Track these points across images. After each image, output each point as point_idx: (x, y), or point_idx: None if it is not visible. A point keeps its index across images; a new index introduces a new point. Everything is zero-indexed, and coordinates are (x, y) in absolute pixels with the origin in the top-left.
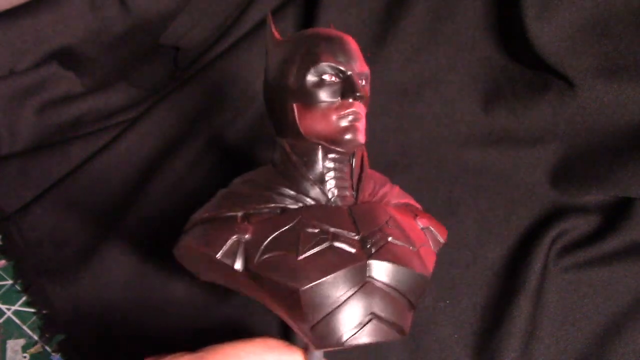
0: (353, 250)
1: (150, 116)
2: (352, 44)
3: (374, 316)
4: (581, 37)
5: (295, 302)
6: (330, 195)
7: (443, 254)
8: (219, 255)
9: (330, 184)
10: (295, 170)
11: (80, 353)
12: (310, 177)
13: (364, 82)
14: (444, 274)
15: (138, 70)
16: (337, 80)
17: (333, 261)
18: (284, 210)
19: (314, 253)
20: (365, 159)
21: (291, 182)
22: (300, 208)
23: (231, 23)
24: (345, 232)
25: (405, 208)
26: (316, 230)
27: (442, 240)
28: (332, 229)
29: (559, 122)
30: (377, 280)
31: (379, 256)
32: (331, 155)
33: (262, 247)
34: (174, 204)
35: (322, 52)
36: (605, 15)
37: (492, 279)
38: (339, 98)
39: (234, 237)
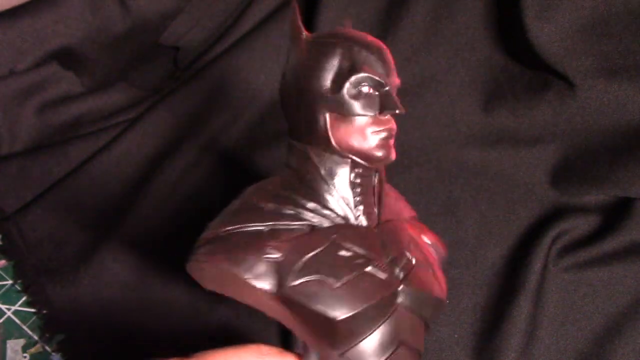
0: (384, 276)
1: (150, 116)
2: (389, 54)
3: (401, 343)
4: (581, 37)
5: (329, 330)
6: (357, 213)
7: None
8: (247, 277)
9: (357, 200)
10: (323, 183)
11: (80, 353)
12: (338, 192)
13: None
14: (444, 274)
15: (138, 70)
16: (376, 93)
17: (368, 289)
18: (314, 228)
19: (350, 280)
20: (383, 173)
21: (316, 196)
22: (332, 227)
23: (231, 23)
24: (376, 256)
25: (413, 224)
26: (350, 254)
27: (443, 254)
28: (364, 253)
29: (559, 122)
30: (405, 306)
31: (407, 282)
32: (358, 170)
33: (297, 270)
34: (174, 204)
35: (363, 61)
36: (605, 15)
37: (492, 279)
38: (376, 112)
39: (264, 256)
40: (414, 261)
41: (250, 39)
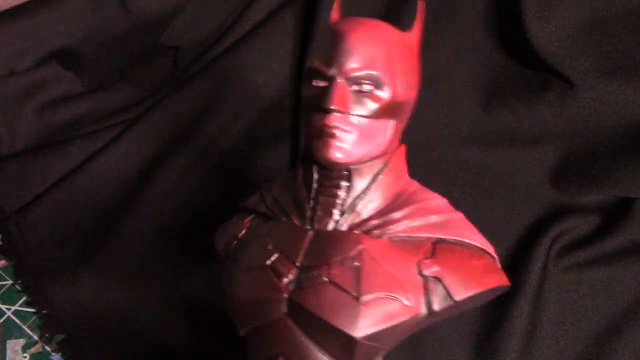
0: (284, 280)
1: (150, 116)
2: (356, 38)
3: (280, 354)
4: (581, 37)
5: (228, 308)
6: (310, 214)
7: None
8: (218, 248)
9: (317, 202)
10: (297, 181)
11: (80, 353)
12: (305, 191)
13: (361, 88)
14: None
15: (138, 70)
16: (324, 85)
17: (258, 284)
18: (269, 218)
19: (249, 269)
20: (381, 180)
21: (292, 193)
22: (275, 221)
23: (231, 23)
24: (286, 259)
25: (416, 244)
26: (269, 248)
27: (456, 298)
28: (278, 251)
29: (559, 122)
30: (295, 321)
31: (300, 296)
32: (325, 172)
33: (232, 249)
34: (174, 204)
35: (317, 52)
36: (605, 15)
37: None
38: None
39: (231, 235)
40: (325, 279)
41: (250, 39)
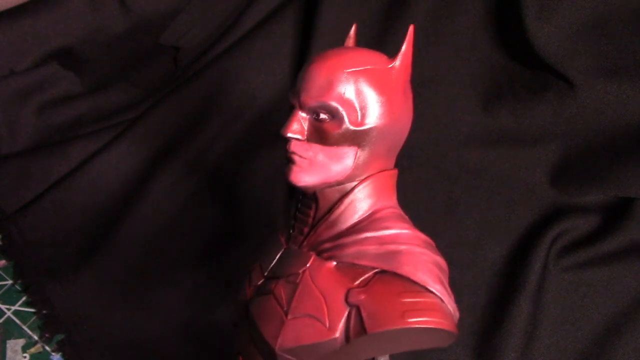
0: (249, 287)
1: (150, 116)
2: (317, 70)
3: (240, 353)
4: (581, 37)
5: None
6: (291, 231)
7: (443, 254)
8: None
9: (295, 221)
10: (293, 202)
11: (80, 353)
12: (293, 210)
13: (317, 117)
14: None
15: (138, 70)
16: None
17: (241, 288)
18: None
19: (243, 275)
20: (342, 205)
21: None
22: (272, 234)
23: (231, 23)
24: (258, 269)
25: (358, 271)
26: (257, 258)
27: (368, 330)
28: (258, 262)
29: (559, 122)
30: (248, 324)
31: (251, 303)
32: (301, 194)
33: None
34: (174, 204)
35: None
36: (605, 15)
37: (492, 279)
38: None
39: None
40: (270, 291)
41: (250, 39)
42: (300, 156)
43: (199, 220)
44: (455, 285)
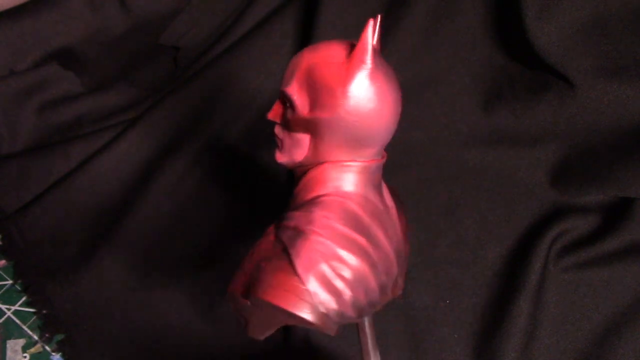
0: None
1: (150, 116)
2: (292, 61)
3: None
4: (581, 37)
5: None
6: None
7: (443, 254)
8: None
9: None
10: None
11: (80, 353)
12: None
13: (285, 104)
14: (444, 274)
15: (138, 70)
16: None
17: None
18: None
19: None
20: (301, 184)
21: None
22: None
23: (231, 23)
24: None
25: (278, 245)
26: None
27: (250, 292)
28: None
29: (559, 122)
30: None
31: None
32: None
33: None
34: (174, 204)
35: None
36: (605, 15)
37: (492, 279)
38: None
39: None
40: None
41: (250, 39)
42: (278, 138)
43: (199, 220)
44: (455, 285)
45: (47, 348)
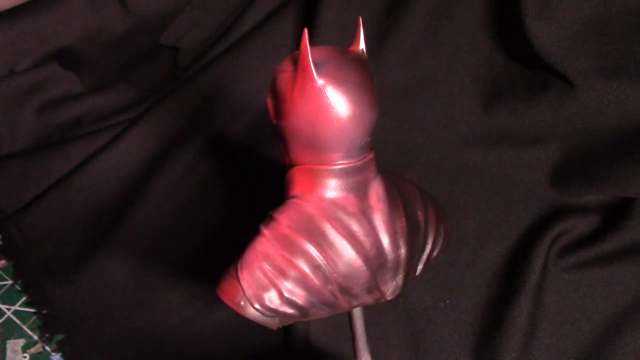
0: None
1: (150, 116)
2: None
3: None
4: (581, 37)
5: None
6: None
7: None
8: None
9: None
10: None
11: (80, 353)
12: None
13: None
14: (444, 274)
15: (138, 70)
16: None
17: None
18: None
19: None
20: (284, 180)
21: None
22: None
23: (231, 23)
24: None
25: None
26: None
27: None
28: None
29: (559, 122)
30: None
31: None
32: None
33: None
34: (174, 204)
35: None
36: (605, 15)
37: (492, 279)
38: None
39: None
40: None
41: (250, 39)
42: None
43: (199, 220)
44: (455, 285)
45: (47, 348)
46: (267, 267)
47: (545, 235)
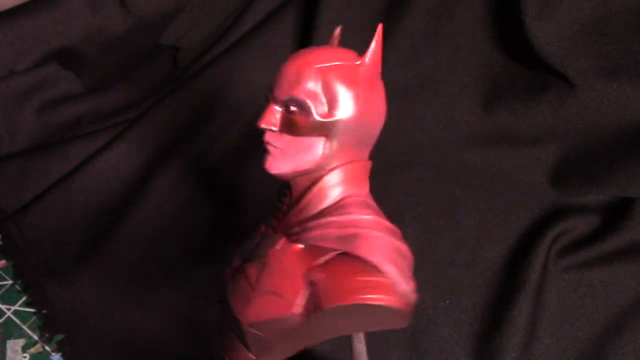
0: (228, 271)
1: (150, 116)
2: (289, 66)
3: (220, 334)
4: (581, 37)
5: None
6: (270, 221)
7: (443, 254)
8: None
9: (273, 208)
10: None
11: (80, 353)
12: (275, 200)
13: (288, 109)
14: (444, 274)
15: (138, 70)
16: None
17: (223, 284)
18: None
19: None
20: (312, 192)
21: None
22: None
23: (231, 23)
24: (239, 254)
25: (320, 252)
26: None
27: (324, 305)
28: (239, 250)
29: (559, 122)
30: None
31: (228, 285)
32: (282, 183)
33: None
34: (174, 204)
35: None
36: (605, 15)
37: (492, 279)
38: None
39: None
40: (244, 273)
41: (250, 39)
42: (274, 146)
43: (199, 220)
44: (455, 285)
45: (47, 348)
46: (397, 258)
47: (545, 235)
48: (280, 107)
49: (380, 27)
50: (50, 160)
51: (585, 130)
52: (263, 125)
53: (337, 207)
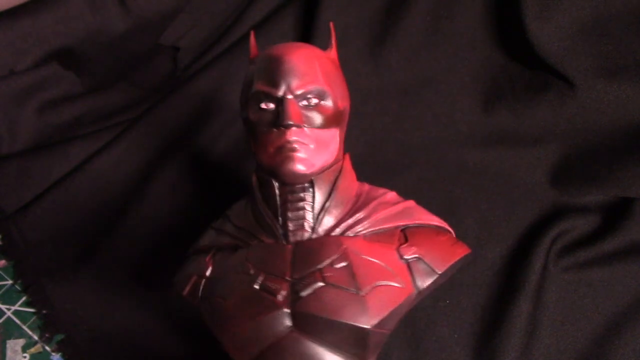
0: (279, 297)
1: (150, 116)
2: (294, 59)
3: None
4: (581, 37)
5: (224, 344)
6: (282, 231)
7: None
8: (184, 293)
9: (286, 217)
10: (257, 204)
11: (80, 353)
12: (269, 211)
13: (308, 102)
14: None
15: (138, 70)
16: (273, 106)
17: (256, 309)
18: (237, 248)
19: (241, 299)
20: (340, 185)
21: (255, 217)
22: (248, 247)
23: (231, 23)
24: (274, 277)
25: (388, 234)
26: (251, 272)
27: (439, 271)
28: (263, 272)
29: (559, 122)
30: (302, 332)
31: (302, 305)
32: (284, 187)
33: (207, 287)
34: (174, 204)
35: (256, 77)
36: (605, 15)
37: (492, 279)
38: (274, 127)
39: (195, 276)
40: (320, 284)
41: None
42: (303, 143)
43: (199, 220)
44: (455, 285)
45: (47, 348)
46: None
47: (545, 235)
48: (298, 101)
49: (332, 25)
50: (50, 160)
51: (585, 130)
52: (292, 121)
53: (365, 193)
